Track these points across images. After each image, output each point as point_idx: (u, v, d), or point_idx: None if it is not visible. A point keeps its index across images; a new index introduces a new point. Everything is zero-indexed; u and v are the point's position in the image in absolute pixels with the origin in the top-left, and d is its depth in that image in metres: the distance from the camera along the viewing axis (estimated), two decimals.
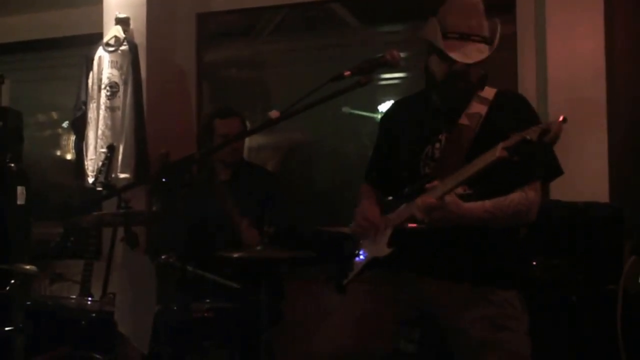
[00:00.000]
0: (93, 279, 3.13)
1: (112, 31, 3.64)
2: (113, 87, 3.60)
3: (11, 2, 4.19)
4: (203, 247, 2.71)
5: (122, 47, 3.61)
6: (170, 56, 3.92)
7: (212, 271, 2.59)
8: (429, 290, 1.98)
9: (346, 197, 3.59)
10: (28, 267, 2.99)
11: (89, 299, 2.93)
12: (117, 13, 3.66)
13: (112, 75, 3.61)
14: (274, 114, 1.66)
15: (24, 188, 3.61)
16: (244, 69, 4.19)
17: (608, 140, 2.94)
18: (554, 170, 1.95)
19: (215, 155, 3.13)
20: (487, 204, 1.84)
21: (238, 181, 3.13)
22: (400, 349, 2.01)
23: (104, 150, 3.49)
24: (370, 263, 2.03)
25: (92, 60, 3.67)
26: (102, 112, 3.61)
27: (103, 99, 3.62)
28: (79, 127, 3.73)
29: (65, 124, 4.48)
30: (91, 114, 3.66)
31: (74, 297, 3.00)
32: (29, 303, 2.74)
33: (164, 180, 1.84)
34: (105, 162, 3.39)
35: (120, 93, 3.59)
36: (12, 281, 3.08)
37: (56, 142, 4.65)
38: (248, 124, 3.34)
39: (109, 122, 3.60)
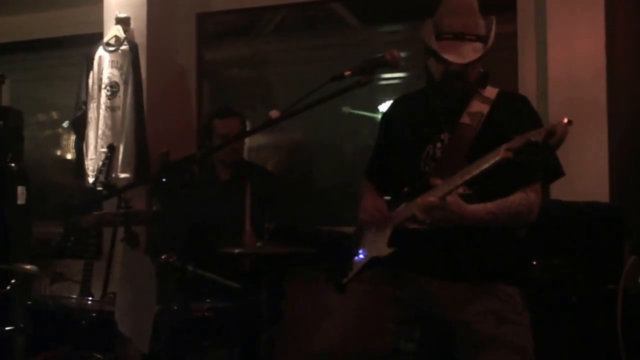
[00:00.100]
0: (93, 279, 3.13)
1: (113, 31, 3.64)
2: (113, 86, 3.61)
3: (11, 2, 4.19)
4: (203, 246, 2.71)
5: (123, 47, 3.61)
6: (170, 56, 3.92)
7: (212, 271, 2.59)
8: (429, 289, 1.98)
9: (346, 196, 3.59)
10: (28, 266, 3.00)
11: (89, 298, 2.94)
12: (117, 13, 3.67)
13: (113, 75, 3.61)
14: (274, 113, 1.66)
15: (24, 188, 3.61)
16: (244, 68, 4.19)
17: (608, 140, 2.94)
18: (555, 172, 1.95)
19: (215, 155, 3.13)
20: (489, 205, 1.84)
21: (238, 181, 3.13)
22: (400, 348, 2.01)
23: (104, 150, 3.49)
24: (370, 262, 2.03)
25: (93, 59, 3.67)
26: (102, 112, 3.61)
27: (103, 98, 3.62)
28: (80, 126, 3.73)
29: (65, 124, 4.48)
30: (91, 114, 3.66)
31: (75, 296, 3.00)
32: (29, 303, 2.74)
33: (164, 180, 1.84)
34: (106, 161, 3.39)
35: (121, 93, 3.59)
36: (13, 281, 3.08)
37: (56, 141, 4.65)
38: (248, 123, 3.34)
39: (109, 122, 3.60)
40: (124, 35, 3.62)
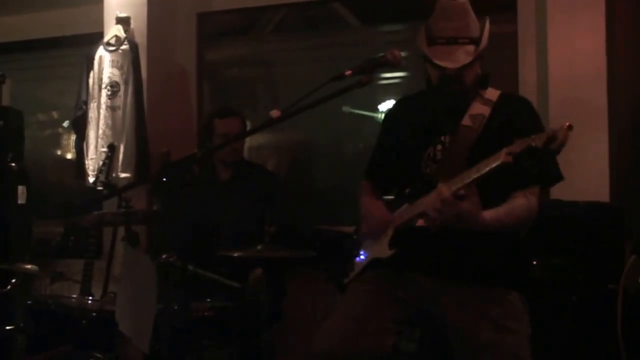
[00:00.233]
0: (94, 279, 3.13)
1: (113, 30, 3.65)
2: (114, 86, 3.61)
3: (12, 2, 4.19)
4: (203, 246, 2.71)
5: (123, 47, 3.61)
6: (170, 55, 3.92)
7: (213, 270, 2.59)
8: (429, 290, 1.98)
9: (346, 196, 3.59)
10: (29, 266, 3.00)
11: (90, 298, 2.94)
12: (117, 12, 3.67)
13: (113, 74, 3.61)
14: (274, 113, 1.66)
15: (24, 187, 3.61)
16: (244, 68, 4.19)
17: (609, 140, 2.94)
18: (555, 176, 1.95)
19: (216, 155, 3.14)
20: (500, 212, 1.83)
21: (238, 181, 3.14)
22: (401, 348, 2.01)
23: (105, 149, 3.49)
24: (371, 263, 2.03)
25: (93, 59, 3.67)
26: (102, 112, 3.61)
27: (104, 98, 3.62)
28: (80, 126, 3.74)
29: (65, 124, 4.48)
30: (92, 114, 3.67)
31: (75, 296, 3.00)
32: (29, 302, 2.74)
33: (164, 179, 1.85)
34: (106, 161, 3.39)
35: (121, 92, 3.59)
36: (13, 280, 3.09)
37: (57, 141, 4.65)
38: (248, 123, 3.34)
39: (109, 122, 3.60)
40: (124, 35, 3.62)
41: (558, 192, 2.73)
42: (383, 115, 3.16)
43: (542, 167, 1.88)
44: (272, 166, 3.92)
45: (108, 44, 3.64)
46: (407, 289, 2.01)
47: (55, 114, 4.69)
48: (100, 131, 3.61)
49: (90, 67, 3.69)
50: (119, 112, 3.59)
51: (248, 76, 4.20)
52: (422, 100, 2.12)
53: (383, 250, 1.97)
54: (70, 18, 4.17)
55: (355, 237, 2.15)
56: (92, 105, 3.67)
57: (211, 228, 2.98)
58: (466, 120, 1.95)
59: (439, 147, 1.99)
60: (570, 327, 2.50)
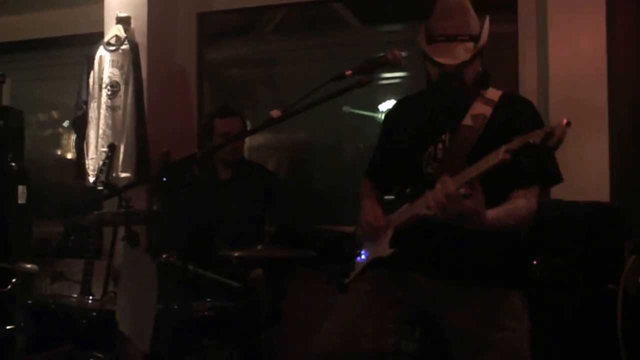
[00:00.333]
0: (94, 278, 3.13)
1: (113, 30, 3.65)
2: (114, 86, 3.61)
3: (12, 2, 4.20)
4: (204, 246, 2.71)
5: (123, 47, 3.61)
6: (171, 55, 3.92)
7: (213, 270, 2.59)
8: (430, 290, 1.98)
9: (346, 196, 3.59)
10: (29, 266, 3.00)
11: (90, 298, 2.93)
12: (118, 12, 3.67)
13: (113, 74, 3.61)
14: (274, 113, 1.66)
15: (24, 187, 3.61)
16: (244, 68, 4.19)
17: (609, 140, 2.94)
18: (555, 177, 1.95)
19: (216, 155, 3.14)
20: (502, 212, 1.82)
21: (238, 180, 3.14)
22: (402, 348, 2.01)
23: (105, 149, 3.49)
24: (372, 263, 2.03)
25: (93, 59, 3.67)
26: (103, 112, 3.61)
27: (104, 98, 3.62)
28: (80, 126, 3.74)
29: (66, 123, 4.48)
30: (92, 113, 3.67)
31: (75, 296, 3.00)
32: (30, 302, 2.74)
33: (164, 179, 1.85)
34: (106, 161, 3.39)
35: (121, 92, 3.59)
36: (13, 280, 3.09)
37: (57, 141, 4.65)
38: (248, 123, 3.34)
39: (109, 122, 3.60)
40: (124, 35, 3.62)
41: (558, 192, 2.73)
42: (384, 115, 3.16)
43: (542, 167, 1.88)
44: (272, 166, 3.92)
45: (108, 43, 3.64)
46: (408, 288, 2.01)
47: (55, 114, 4.69)
48: (101, 131, 3.61)
49: (90, 66, 3.69)
50: (119, 112, 3.59)
51: (248, 76, 4.20)
52: (422, 100, 2.12)
53: (383, 249, 1.97)
54: (70, 18, 4.17)
55: (355, 236, 2.15)
56: (93, 105, 3.67)
57: (211, 228, 2.98)
58: (467, 120, 1.95)
59: (440, 145, 1.99)
60: (570, 327, 2.50)
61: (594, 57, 2.96)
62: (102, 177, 3.33)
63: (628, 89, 3.02)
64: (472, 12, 1.96)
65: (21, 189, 3.59)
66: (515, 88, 3.21)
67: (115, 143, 3.50)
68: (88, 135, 3.67)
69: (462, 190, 1.73)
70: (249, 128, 3.31)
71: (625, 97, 3.01)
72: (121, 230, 3.16)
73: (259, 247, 2.39)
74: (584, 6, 3.00)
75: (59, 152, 4.64)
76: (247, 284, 2.63)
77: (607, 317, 2.45)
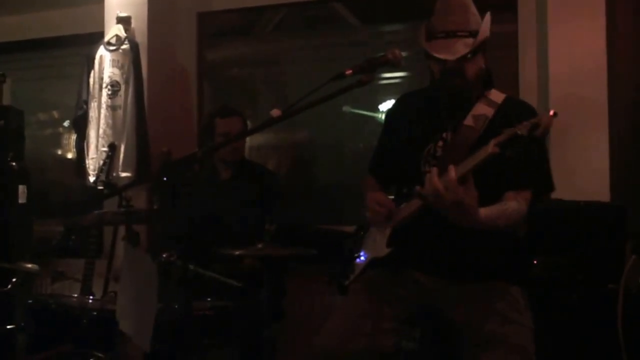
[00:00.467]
0: (94, 278, 3.13)
1: (113, 30, 3.65)
2: (114, 86, 3.61)
3: (13, 1, 4.20)
4: (204, 245, 2.71)
5: (124, 46, 3.61)
6: (171, 55, 3.92)
7: (214, 269, 2.59)
8: (430, 289, 1.98)
9: (347, 196, 3.59)
10: (29, 265, 3.00)
11: (90, 297, 2.93)
12: (118, 12, 3.67)
13: (113, 74, 3.61)
14: (275, 112, 1.66)
15: (25, 187, 3.61)
16: (244, 67, 4.19)
17: (609, 140, 2.94)
18: (546, 185, 1.95)
19: (216, 154, 3.14)
20: (494, 212, 1.81)
21: (239, 180, 3.14)
22: (402, 347, 2.01)
23: (105, 149, 3.49)
24: (371, 263, 2.03)
25: (94, 59, 3.67)
26: (103, 111, 3.62)
27: (104, 97, 3.62)
28: (80, 125, 3.74)
29: (66, 123, 4.48)
30: (92, 113, 3.67)
31: (75, 295, 3.00)
32: (30, 301, 2.74)
33: (165, 178, 1.85)
34: (107, 160, 3.39)
35: (122, 92, 3.59)
36: (14, 279, 3.09)
37: (57, 141, 4.65)
38: (249, 123, 3.34)
39: (110, 121, 3.60)
40: (124, 35, 3.62)
41: (558, 192, 2.73)
42: (385, 111, 3.16)
43: (534, 173, 1.89)
44: (272, 166, 3.92)
45: (109, 43, 3.65)
46: (407, 287, 2.01)
47: (55, 114, 4.69)
48: (101, 130, 3.61)
49: (90, 66, 3.69)
50: (120, 112, 3.59)
51: (248, 76, 4.20)
52: (424, 97, 2.12)
53: (381, 249, 1.97)
54: (70, 18, 4.18)
55: (355, 238, 2.15)
56: (93, 105, 3.67)
57: (212, 227, 2.99)
58: (469, 120, 1.95)
59: (440, 143, 1.99)
60: (571, 327, 2.50)
61: (594, 57, 2.96)
62: (103, 177, 3.33)
63: (628, 88, 3.02)
64: (473, 9, 1.96)
65: (22, 188, 3.59)
66: (515, 88, 3.21)
67: (116, 143, 3.50)
68: (88, 134, 3.67)
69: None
70: (249, 128, 3.32)
71: (625, 96, 3.01)
72: (122, 230, 3.17)
73: (259, 245, 2.39)
74: (584, 6, 3.00)
75: (59, 152, 4.64)
76: (241, 273, 2.63)
77: (607, 317, 2.45)
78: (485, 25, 1.94)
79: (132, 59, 3.59)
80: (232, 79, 4.22)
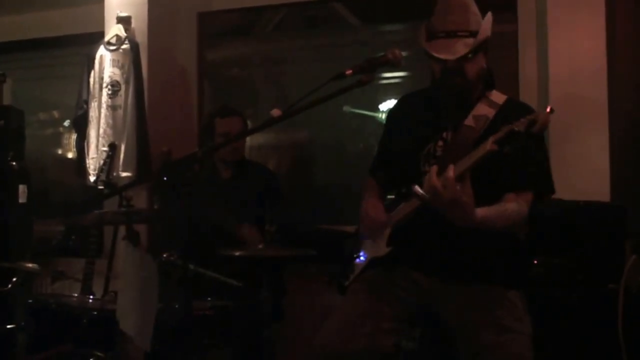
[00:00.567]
0: (94, 277, 3.14)
1: (114, 30, 3.65)
2: (114, 85, 3.61)
3: (12, 1, 4.20)
4: (204, 245, 2.71)
5: (124, 46, 3.62)
6: (171, 55, 3.92)
7: (214, 269, 2.60)
8: (429, 289, 1.98)
9: (347, 196, 3.59)
10: (30, 265, 3.00)
11: (91, 297, 2.94)
12: (118, 12, 3.67)
13: (114, 74, 3.61)
14: (275, 112, 1.66)
15: (25, 186, 3.61)
16: (245, 67, 4.20)
17: (609, 139, 2.94)
18: (546, 187, 1.95)
19: (217, 154, 3.14)
20: (492, 212, 1.81)
21: (239, 180, 3.14)
22: (401, 347, 2.01)
23: (106, 148, 3.49)
24: (371, 263, 2.03)
25: (94, 59, 3.67)
26: (103, 111, 3.62)
27: (104, 97, 3.62)
28: (81, 125, 3.74)
29: (66, 123, 4.48)
30: (92, 113, 3.67)
31: (76, 295, 3.00)
32: (30, 301, 2.74)
33: (165, 178, 1.85)
34: (107, 160, 3.39)
35: (122, 92, 3.60)
36: (14, 279, 3.09)
37: (58, 140, 4.66)
38: (249, 123, 3.34)
39: (110, 121, 3.60)
40: (125, 34, 3.62)
41: (559, 191, 2.73)
42: (386, 112, 3.16)
43: (535, 174, 1.89)
44: (272, 166, 3.92)
45: (109, 43, 3.65)
46: (407, 287, 2.01)
47: (56, 113, 4.69)
48: (101, 130, 3.61)
49: (91, 66, 3.69)
50: (120, 112, 3.59)
51: (248, 76, 4.21)
52: (425, 97, 2.12)
53: (381, 249, 1.97)
54: (71, 17, 4.18)
55: (356, 236, 2.15)
56: (93, 105, 3.67)
57: (212, 227, 2.99)
58: (469, 121, 1.95)
59: (440, 143, 1.99)
60: (571, 327, 2.50)
61: (594, 57, 2.96)
62: (103, 177, 3.33)
63: (628, 88, 3.02)
64: (474, 9, 1.96)
65: (22, 188, 3.59)
66: (515, 88, 3.21)
67: (116, 142, 3.51)
68: (89, 134, 3.67)
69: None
70: (249, 128, 3.32)
71: (625, 96, 3.01)
72: (122, 230, 3.17)
73: (259, 246, 2.39)
74: (584, 6, 3.00)
75: (59, 152, 4.64)
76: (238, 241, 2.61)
77: (607, 317, 2.45)
78: (485, 24, 1.94)
79: (132, 59, 3.59)
80: (233, 79, 4.22)
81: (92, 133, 3.66)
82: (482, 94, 2.00)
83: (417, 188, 1.72)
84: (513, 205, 1.86)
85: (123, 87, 3.59)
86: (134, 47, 3.62)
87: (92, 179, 3.59)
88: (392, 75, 3.70)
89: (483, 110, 1.96)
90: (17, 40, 4.42)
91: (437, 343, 2.04)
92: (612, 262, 2.54)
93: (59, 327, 2.55)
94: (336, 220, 3.43)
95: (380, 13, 3.82)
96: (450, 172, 1.67)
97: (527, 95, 3.12)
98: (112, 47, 3.63)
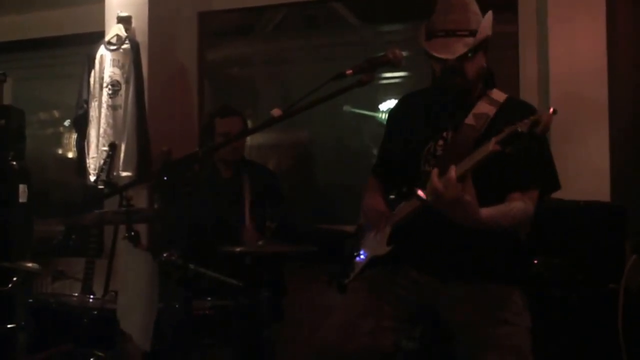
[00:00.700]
0: (95, 277, 3.14)
1: (114, 30, 3.65)
2: (115, 85, 3.61)
3: (13, 1, 4.20)
4: (205, 244, 2.71)
5: (124, 46, 3.62)
6: (171, 55, 3.92)
7: (214, 269, 2.60)
8: (429, 288, 1.98)
9: (347, 195, 3.59)
10: (30, 264, 3.00)
11: (91, 296, 2.94)
12: (118, 11, 3.67)
13: (114, 73, 3.62)
14: (275, 112, 1.66)
15: (25, 186, 3.61)
16: (245, 67, 4.20)
17: (609, 139, 2.94)
18: (553, 184, 1.96)
19: (217, 154, 3.14)
20: (497, 212, 1.81)
21: (239, 179, 3.14)
22: (402, 346, 2.01)
23: (106, 148, 3.49)
24: (371, 262, 2.03)
25: (94, 58, 3.68)
26: (103, 111, 3.62)
27: (105, 97, 3.62)
28: (81, 125, 3.74)
29: (67, 123, 4.49)
30: (93, 113, 3.67)
31: (76, 294, 3.00)
32: (31, 300, 2.75)
33: (165, 178, 1.85)
34: (107, 160, 3.39)
35: (122, 91, 3.60)
36: (14, 279, 3.09)
37: (58, 140, 4.66)
38: (249, 122, 3.34)
39: (110, 121, 3.60)
40: (125, 34, 3.62)
41: (558, 192, 2.74)
42: (388, 111, 3.16)
43: (540, 172, 1.89)
44: (273, 165, 3.92)
45: (109, 43, 3.65)
46: (407, 286, 2.01)
47: (56, 113, 4.69)
48: (102, 130, 3.61)
49: (91, 66, 3.69)
50: (120, 111, 3.59)
51: (249, 75, 4.21)
52: (425, 96, 2.12)
53: (381, 248, 1.97)
54: (71, 17, 4.18)
55: (356, 236, 2.15)
56: (93, 104, 3.67)
57: (212, 226, 2.99)
58: (470, 119, 1.95)
59: (440, 142, 1.99)
60: (571, 327, 2.50)
61: (594, 57, 2.96)
62: (103, 176, 3.33)
63: (629, 87, 3.02)
64: (474, 8, 1.96)
65: (22, 188, 3.59)
66: (515, 88, 3.21)
67: (116, 142, 3.51)
68: (89, 134, 3.67)
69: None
70: (249, 127, 3.32)
71: (625, 96, 3.01)
72: (122, 229, 3.16)
73: (259, 243, 2.39)
74: (584, 6, 3.00)
75: (60, 151, 4.64)
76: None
77: (608, 316, 2.45)
78: (485, 23, 1.93)
79: (132, 59, 3.59)
80: (233, 78, 4.22)
81: (92, 133, 3.66)
82: (482, 92, 2.00)
83: (420, 192, 1.72)
84: (519, 204, 1.86)
85: (123, 86, 3.60)
86: (135, 47, 3.62)
87: (92, 178, 3.59)
88: (392, 75, 3.70)
89: (483, 108, 1.96)
90: (17, 40, 4.42)
91: (437, 342, 2.05)
92: (612, 262, 2.54)
93: (59, 326, 2.55)
94: (336, 220, 3.43)
95: (380, 13, 3.82)
96: (452, 172, 1.66)
97: (528, 95, 3.12)
98: (112, 47, 3.63)
